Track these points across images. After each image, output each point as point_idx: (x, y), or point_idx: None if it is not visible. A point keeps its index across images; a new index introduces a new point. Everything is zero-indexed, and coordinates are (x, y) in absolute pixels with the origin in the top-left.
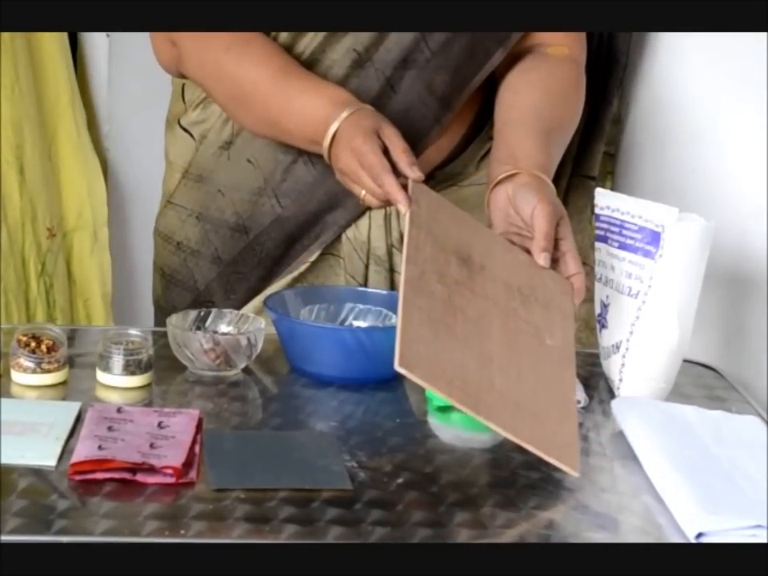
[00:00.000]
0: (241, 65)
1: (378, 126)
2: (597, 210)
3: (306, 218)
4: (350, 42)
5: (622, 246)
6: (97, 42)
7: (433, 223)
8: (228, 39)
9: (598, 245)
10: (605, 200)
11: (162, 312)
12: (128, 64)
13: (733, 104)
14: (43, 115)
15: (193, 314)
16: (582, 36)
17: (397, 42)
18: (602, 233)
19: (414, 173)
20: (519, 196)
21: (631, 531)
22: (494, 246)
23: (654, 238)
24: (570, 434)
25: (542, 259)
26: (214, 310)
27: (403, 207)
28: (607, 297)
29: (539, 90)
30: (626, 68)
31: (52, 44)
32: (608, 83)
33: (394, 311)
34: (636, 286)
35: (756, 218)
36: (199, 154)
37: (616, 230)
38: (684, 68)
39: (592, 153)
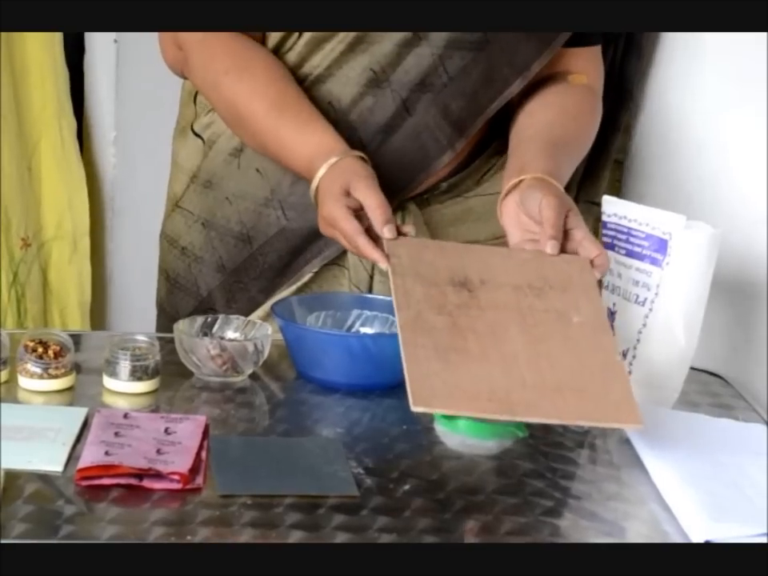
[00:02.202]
0: (238, 93)
1: (348, 185)
2: (604, 218)
3: (310, 231)
4: (367, 61)
5: (629, 254)
6: (104, 48)
7: (418, 266)
8: (228, 61)
9: None
10: (612, 207)
11: (165, 315)
12: (135, 70)
13: (739, 111)
14: (25, 126)
15: (200, 319)
16: (600, 65)
17: (415, 64)
18: (609, 240)
19: (387, 232)
20: (525, 197)
21: (638, 539)
22: (491, 258)
23: (661, 245)
24: (622, 391)
25: (550, 247)
26: (221, 316)
27: (383, 265)
28: (614, 304)
29: (553, 109)
30: (635, 97)
31: (40, 56)
32: (617, 111)
33: None
34: (643, 294)
35: (763, 225)
36: (208, 159)
37: (623, 237)
38: (691, 77)
39: (598, 179)
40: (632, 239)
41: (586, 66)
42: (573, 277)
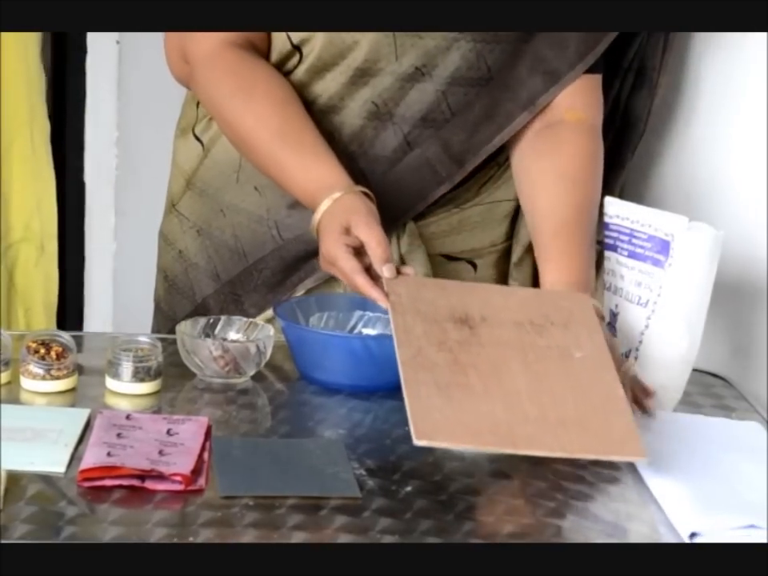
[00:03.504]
0: (242, 118)
1: (348, 223)
2: (606, 219)
3: (306, 253)
4: (369, 94)
5: (632, 255)
6: (106, 48)
7: (418, 303)
8: (232, 83)
9: (607, 253)
10: (614, 209)
11: (162, 314)
12: (137, 70)
13: (742, 112)
14: None
15: (202, 321)
16: (599, 96)
17: (417, 100)
18: (611, 241)
19: (386, 272)
20: None
21: (639, 540)
22: (491, 296)
23: (664, 246)
24: (625, 425)
25: None
26: (223, 317)
27: (383, 304)
28: (616, 306)
29: (557, 186)
30: (643, 135)
31: (14, 59)
32: (622, 149)
33: None
34: (645, 295)
35: (765, 226)
36: (204, 167)
37: (625, 238)
38: (692, 77)
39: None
40: (634, 240)
41: (584, 97)
42: (574, 313)
